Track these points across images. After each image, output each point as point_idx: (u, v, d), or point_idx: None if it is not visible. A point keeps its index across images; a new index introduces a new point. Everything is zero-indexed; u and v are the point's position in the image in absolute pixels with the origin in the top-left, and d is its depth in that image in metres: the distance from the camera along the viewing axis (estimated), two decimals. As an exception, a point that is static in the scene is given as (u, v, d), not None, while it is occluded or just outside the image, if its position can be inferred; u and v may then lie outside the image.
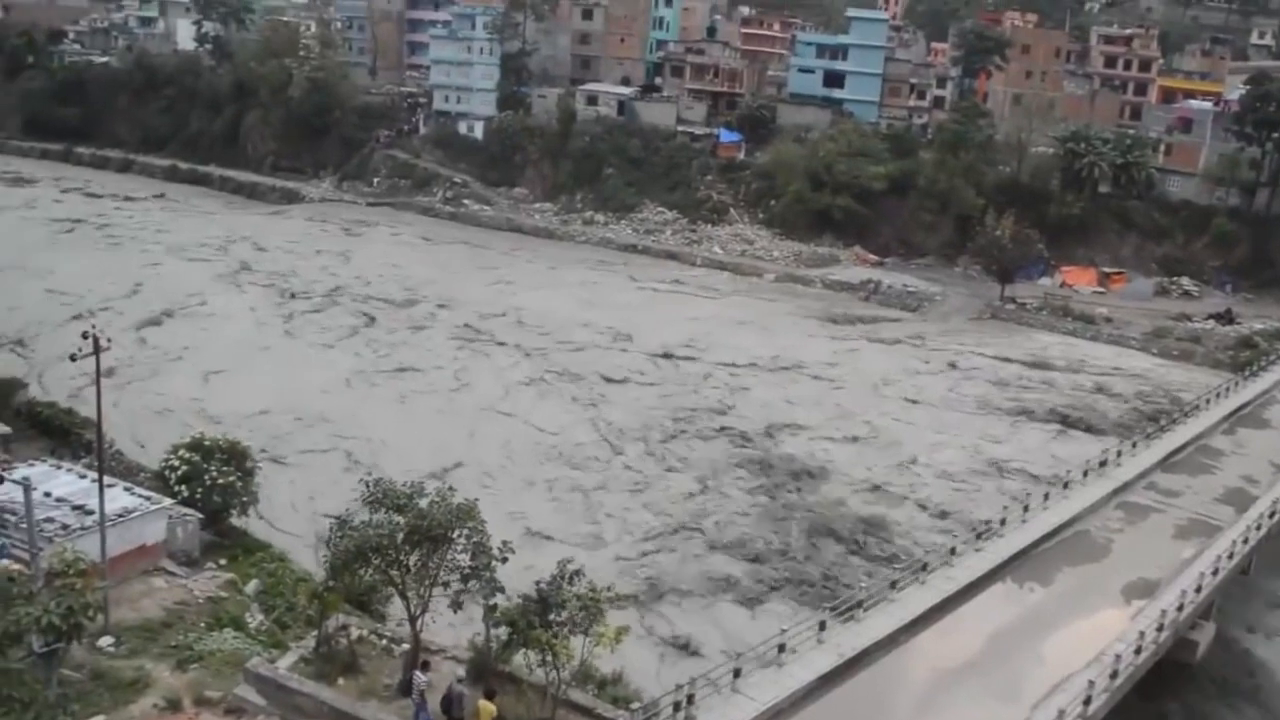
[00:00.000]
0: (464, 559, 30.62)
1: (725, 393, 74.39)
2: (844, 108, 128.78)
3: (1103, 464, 51.63)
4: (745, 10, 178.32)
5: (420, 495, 31.18)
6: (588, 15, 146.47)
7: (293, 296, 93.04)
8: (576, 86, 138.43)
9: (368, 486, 31.64)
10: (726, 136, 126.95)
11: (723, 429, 67.65)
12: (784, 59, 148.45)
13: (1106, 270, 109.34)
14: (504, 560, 30.60)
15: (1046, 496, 47.41)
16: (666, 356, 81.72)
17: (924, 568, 39.57)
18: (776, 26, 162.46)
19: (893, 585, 37.93)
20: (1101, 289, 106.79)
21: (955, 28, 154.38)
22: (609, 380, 75.73)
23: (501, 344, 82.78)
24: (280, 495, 52.94)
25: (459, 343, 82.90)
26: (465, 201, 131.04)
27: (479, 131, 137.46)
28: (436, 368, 77.10)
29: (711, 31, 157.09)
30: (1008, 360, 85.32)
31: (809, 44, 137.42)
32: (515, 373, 76.44)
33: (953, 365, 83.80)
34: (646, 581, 48.44)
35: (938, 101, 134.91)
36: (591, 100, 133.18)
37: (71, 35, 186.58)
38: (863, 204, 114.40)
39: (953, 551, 41.23)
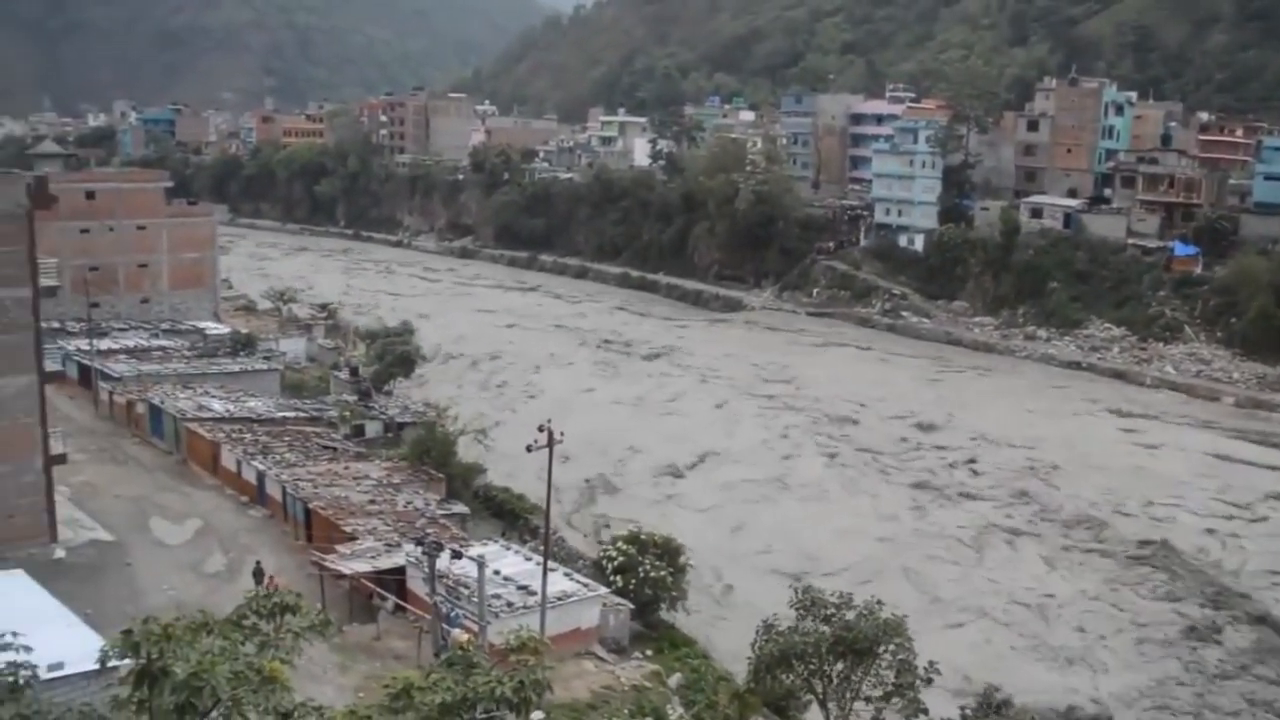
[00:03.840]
0: (889, 675, 30.12)
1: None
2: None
3: None
4: (1204, 116, 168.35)
5: (848, 607, 31.01)
6: (1033, 126, 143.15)
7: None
8: (1020, 199, 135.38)
9: (796, 594, 31.84)
10: (1182, 250, 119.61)
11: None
12: (1248, 166, 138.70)
13: None
14: (929, 680, 29.80)
15: None
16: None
17: None
18: (1239, 132, 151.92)
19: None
20: None
21: None
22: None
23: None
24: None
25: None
26: (903, 313, 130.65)
27: (919, 244, 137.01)
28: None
29: (1166, 140, 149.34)
30: None
31: (1277, 149, 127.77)
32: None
33: None
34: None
35: None
36: (1036, 213, 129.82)
37: (541, 154, 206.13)
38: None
39: None
